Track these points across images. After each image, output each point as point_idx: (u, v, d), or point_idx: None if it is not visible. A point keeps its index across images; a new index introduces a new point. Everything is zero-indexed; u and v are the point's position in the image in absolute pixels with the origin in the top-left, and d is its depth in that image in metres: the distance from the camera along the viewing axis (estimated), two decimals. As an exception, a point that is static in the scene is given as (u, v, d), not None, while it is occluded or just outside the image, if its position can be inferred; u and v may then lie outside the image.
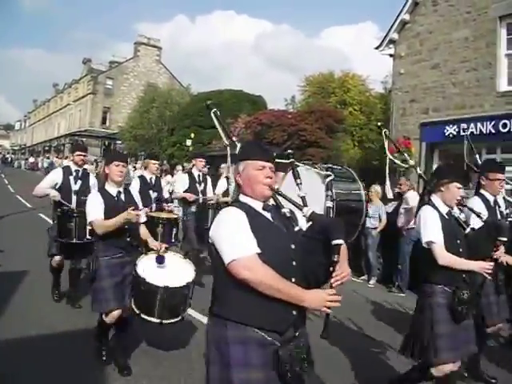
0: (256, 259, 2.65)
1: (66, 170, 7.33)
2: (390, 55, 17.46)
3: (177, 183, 10.06)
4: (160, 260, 5.15)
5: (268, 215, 2.92)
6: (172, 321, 4.98)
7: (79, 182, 7.26)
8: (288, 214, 2.92)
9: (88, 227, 5.71)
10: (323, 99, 27.51)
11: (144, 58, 58.74)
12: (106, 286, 5.07)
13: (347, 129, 24.78)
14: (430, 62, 15.99)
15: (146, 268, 5.04)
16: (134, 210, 5.10)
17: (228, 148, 6.00)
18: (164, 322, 4.92)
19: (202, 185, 9.29)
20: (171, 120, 36.53)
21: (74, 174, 7.28)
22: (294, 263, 2.78)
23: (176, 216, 8.32)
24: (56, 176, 7.31)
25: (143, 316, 4.93)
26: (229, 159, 6.01)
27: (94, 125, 56.13)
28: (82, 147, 7.97)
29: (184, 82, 53.35)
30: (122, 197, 5.39)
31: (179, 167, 22.37)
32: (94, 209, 5.19)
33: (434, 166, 15.65)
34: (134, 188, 7.45)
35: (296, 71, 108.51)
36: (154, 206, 8.44)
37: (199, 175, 9.34)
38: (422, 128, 16.08)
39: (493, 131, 13.92)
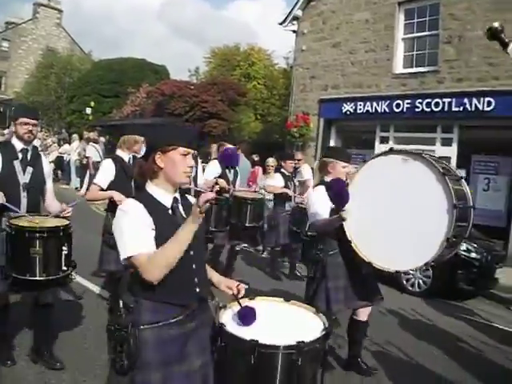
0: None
1: (6, 151, 4.52)
2: (294, 31, 17.70)
3: None
4: (247, 317, 2.77)
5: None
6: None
7: (29, 169, 4.57)
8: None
9: (64, 251, 4.13)
10: (228, 72, 27.60)
11: (43, 20, 55.79)
12: None
13: (249, 102, 24.98)
14: (331, 40, 16.37)
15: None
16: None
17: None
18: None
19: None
20: (71, 87, 35.28)
21: (21, 156, 4.54)
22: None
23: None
24: None
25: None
26: None
27: (-14, 89, 53.17)
28: (31, 110, 4.94)
29: (86, 47, 51.74)
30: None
31: (75, 136, 21.70)
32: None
33: (331, 142, 16.23)
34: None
35: (202, 42, 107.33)
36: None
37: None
38: (320, 104, 16.49)
39: (387, 110, 14.56)
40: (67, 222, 4.25)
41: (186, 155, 2.66)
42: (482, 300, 9.03)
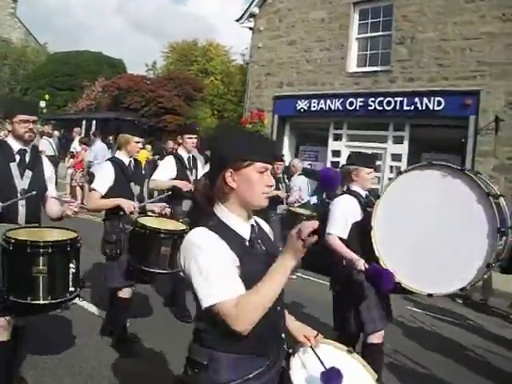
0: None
1: (1, 152, 3.92)
2: (250, 28, 17.79)
3: (159, 169, 6.70)
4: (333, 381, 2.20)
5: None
6: None
7: (28, 173, 3.96)
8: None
9: (72, 268, 3.58)
10: (185, 67, 27.56)
11: (-3, 9, 54.79)
12: None
13: (206, 97, 24.99)
14: (286, 38, 16.53)
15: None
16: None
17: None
18: None
19: (194, 172, 6.56)
20: (25, 79, 34.67)
21: (18, 157, 3.94)
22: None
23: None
24: None
25: None
26: None
27: None
28: (29, 105, 4.54)
29: (41, 39, 50.73)
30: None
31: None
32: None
33: (285, 138, 16.38)
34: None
35: (160, 36, 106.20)
36: None
37: (190, 158, 6.55)
38: (275, 101, 16.63)
39: (341, 108, 14.78)
40: (75, 235, 3.66)
41: (263, 172, 2.15)
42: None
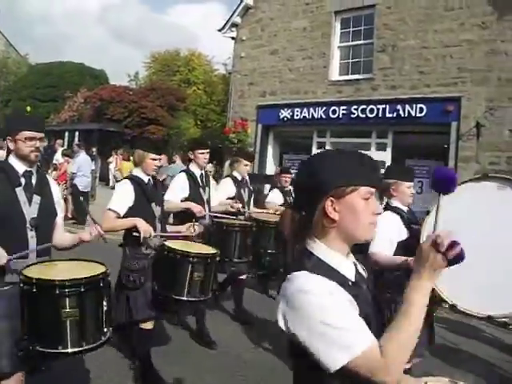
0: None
1: (3, 175, 3.33)
2: (232, 38, 17.80)
3: (171, 188, 6.05)
4: None
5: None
6: None
7: (36, 198, 3.39)
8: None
9: (105, 306, 3.17)
10: (168, 77, 27.57)
11: (-23, 20, 54.48)
12: None
13: (189, 108, 25.00)
14: (269, 47, 16.56)
15: None
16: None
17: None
18: None
19: (207, 190, 6.15)
20: (6, 91, 34.49)
21: (24, 181, 3.37)
22: None
23: None
24: None
25: None
26: None
27: None
28: (35, 120, 3.58)
29: (22, 50, 50.45)
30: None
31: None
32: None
33: (269, 147, 16.41)
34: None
35: (142, 47, 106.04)
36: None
37: (202, 175, 6.12)
38: (258, 110, 16.63)
39: (323, 116, 14.84)
40: (104, 269, 3.20)
41: (368, 198, 1.78)
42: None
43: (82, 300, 2.95)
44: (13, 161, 3.35)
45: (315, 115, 15.00)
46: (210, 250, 4.59)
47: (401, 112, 13.27)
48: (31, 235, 3.24)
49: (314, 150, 15.31)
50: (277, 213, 7.01)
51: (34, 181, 3.40)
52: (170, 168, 14.34)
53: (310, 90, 15.36)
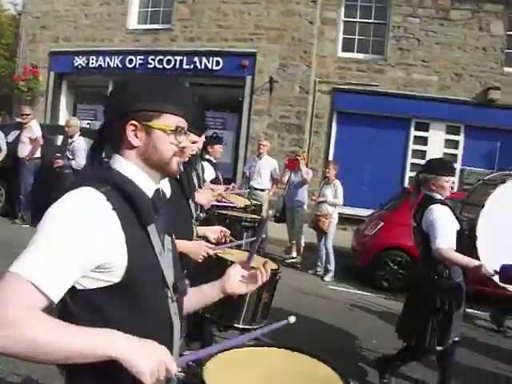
0: None
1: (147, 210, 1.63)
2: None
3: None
4: None
5: None
6: None
7: (168, 244, 1.87)
8: None
9: None
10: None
11: None
12: None
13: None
14: (63, -12, 15.48)
15: None
16: None
17: None
18: None
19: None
20: None
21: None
22: None
23: None
24: None
25: None
26: None
27: None
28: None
29: None
30: None
31: None
32: None
33: (62, 97, 15.45)
34: None
35: None
36: None
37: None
38: (51, 57, 15.55)
39: (120, 65, 14.35)
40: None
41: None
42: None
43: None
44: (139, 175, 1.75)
45: (111, 64, 14.46)
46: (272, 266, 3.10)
47: (198, 64, 13.34)
48: (173, 309, 1.66)
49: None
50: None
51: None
52: None
53: (107, 38, 14.73)
